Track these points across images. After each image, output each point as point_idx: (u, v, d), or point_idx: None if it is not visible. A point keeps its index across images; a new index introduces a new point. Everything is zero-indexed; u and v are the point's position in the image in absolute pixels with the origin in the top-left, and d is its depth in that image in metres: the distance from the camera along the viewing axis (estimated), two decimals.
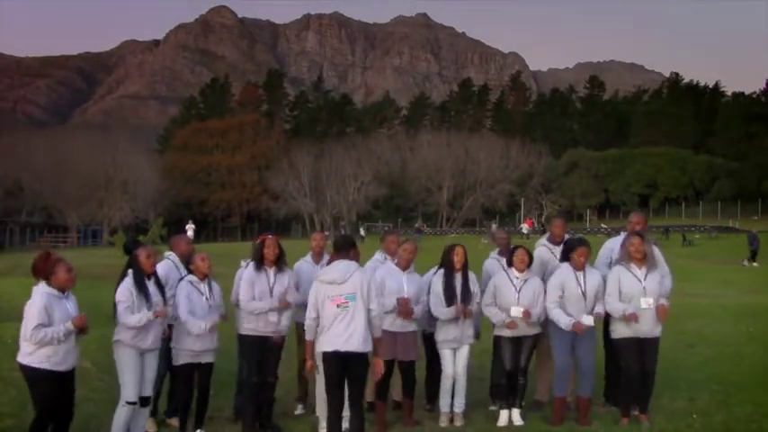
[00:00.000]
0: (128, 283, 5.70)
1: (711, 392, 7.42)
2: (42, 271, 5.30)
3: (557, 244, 7.05)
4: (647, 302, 6.32)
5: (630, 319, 6.27)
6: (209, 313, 6.11)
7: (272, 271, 6.37)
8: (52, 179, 65.03)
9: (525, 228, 50.91)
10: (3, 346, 8.75)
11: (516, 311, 6.42)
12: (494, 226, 56.62)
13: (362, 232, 54.09)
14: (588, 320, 6.34)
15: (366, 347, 5.42)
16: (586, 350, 6.49)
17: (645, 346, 6.41)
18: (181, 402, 6.27)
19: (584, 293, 6.40)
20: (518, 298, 6.47)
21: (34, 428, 5.28)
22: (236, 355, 6.77)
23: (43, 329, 5.10)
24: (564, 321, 6.35)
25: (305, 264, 7.11)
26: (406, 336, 6.49)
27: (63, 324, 5.16)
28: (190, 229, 43.65)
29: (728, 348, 10.27)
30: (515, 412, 6.59)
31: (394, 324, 6.38)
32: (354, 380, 5.42)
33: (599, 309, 6.44)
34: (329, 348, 5.36)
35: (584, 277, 6.45)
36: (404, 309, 6.38)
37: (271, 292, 6.30)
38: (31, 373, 5.24)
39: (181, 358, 6.14)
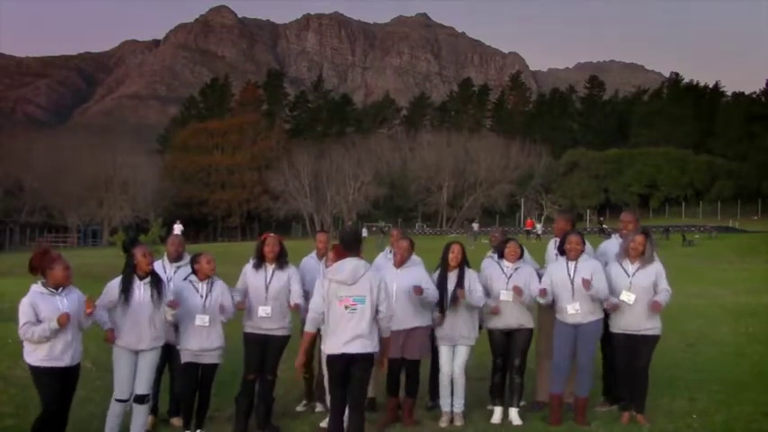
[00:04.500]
0: (114, 281, 5.78)
1: (711, 392, 7.42)
2: (39, 267, 5.36)
3: None
4: (627, 296, 6.34)
5: (612, 308, 6.36)
6: (204, 313, 6.08)
7: (271, 268, 6.41)
8: (52, 179, 65.06)
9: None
10: (3, 346, 8.75)
11: (506, 295, 6.54)
12: (475, 226, 56.77)
13: (365, 233, 54.06)
14: (574, 308, 6.36)
15: (370, 349, 5.39)
16: (587, 350, 6.49)
17: (635, 343, 6.42)
18: (184, 401, 6.26)
19: (572, 281, 6.42)
20: (507, 283, 6.59)
21: (38, 424, 5.31)
22: (237, 354, 6.78)
23: (31, 328, 5.19)
24: (534, 285, 6.53)
25: (311, 260, 7.24)
26: (413, 333, 6.47)
27: (49, 322, 5.21)
28: (177, 228, 43.33)
29: (728, 348, 10.27)
30: (513, 412, 6.60)
31: (402, 322, 6.37)
32: (356, 380, 5.39)
33: (593, 292, 6.36)
34: (335, 351, 5.29)
35: (576, 266, 6.47)
36: None
37: (266, 289, 6.34)
38: (34, 372, 5.34)
39: (184, 357, 6.15)
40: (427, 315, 6.57)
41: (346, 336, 5.27)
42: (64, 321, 5.24)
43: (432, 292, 6.45)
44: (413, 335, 6.48)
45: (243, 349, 6.49)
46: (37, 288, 5.34)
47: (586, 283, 6.24)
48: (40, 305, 5.25)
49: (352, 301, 5.31)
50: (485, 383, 7.36)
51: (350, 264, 5.36)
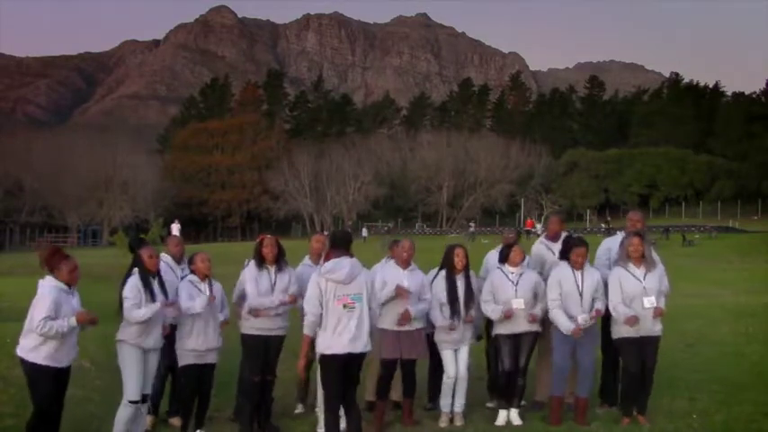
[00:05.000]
0: (134, 280, 5.69)
1: (711, 392, 7.40)
2: (47, 264, 5.34)
3: (554, 241, 7.10)
4: (649, 302, 6.29)
5: (631, 322, 6.25)
6: (209, 313, 6.11)
7: (272, 269, 6.39)
8: (52, 179, 65.13)
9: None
10: (3, 346, 8.73)
11: (518, 303, 6.45)
12: (472, 226, 56.95)
13: (365, 233, 54.08)
14: (584, 319, 6.33)
15: (369, 347, 5.39)
16: (587, 350, 6.48)
17: (645, 345, 6.40)
18: (184, 403, 6.26)
19: (581, 293, 6.40)
20: (516, 291, 6.50)
21: (32, 423, 5.29)
22: (235, 355, 6.77)
23: (50, 322, 5.12)
24: (564, 325, 6.34)
25: (307, 268, 7.01)
26: (410, 334, 6.45)
27: (67, 319, 5.18)
28: (176, 228, 43.25)
29: (728, 348, 10.26)
30: (513, 412, 6.58)
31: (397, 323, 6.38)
32: (352, 379, 5.40)
33: (598, 305, 6.41)
34: (338, 351, 5.22)
35: (582, 276, 6.45)
36: (401, 296, 6.34)
37: (272, 290, 6.33)
38: (32, 370, 5.27)
39: (185, 359, 6.13)
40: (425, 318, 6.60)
41: (348, 335, 5.23)
42: (82, 320, 5.23)
43: (423, 306, 6.47)
44: (411, 335, 6.47)
45: (242, 350, 6.47)
46: (55, 283, 5.27)
47: (599, 313, 6.43)
48: (62, 302, 5.22)
49: (350, 299, 5.27)
50: (484, 383, 7.36)
51: (345, 262, 5.31)
